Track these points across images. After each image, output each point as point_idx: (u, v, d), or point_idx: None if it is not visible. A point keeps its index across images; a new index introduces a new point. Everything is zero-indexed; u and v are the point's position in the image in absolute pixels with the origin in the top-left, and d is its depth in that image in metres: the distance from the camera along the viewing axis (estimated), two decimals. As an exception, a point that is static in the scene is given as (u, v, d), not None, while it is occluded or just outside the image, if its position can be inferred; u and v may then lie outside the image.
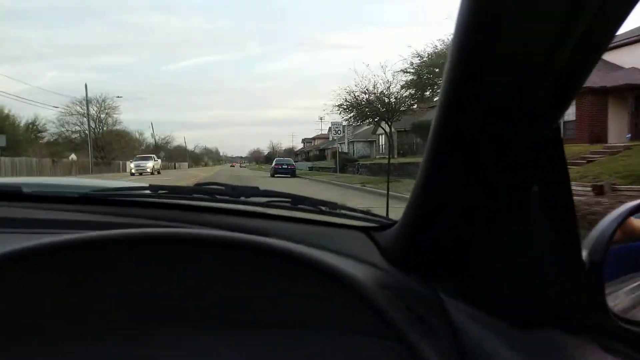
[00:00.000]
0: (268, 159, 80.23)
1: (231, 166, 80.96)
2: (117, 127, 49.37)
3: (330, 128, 51.65)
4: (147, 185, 0.88)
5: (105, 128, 47.70)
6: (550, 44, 0.39)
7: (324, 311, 0.64)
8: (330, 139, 51.59)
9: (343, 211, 0.91)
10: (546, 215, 0.51)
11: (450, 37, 0.45)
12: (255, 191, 0.91)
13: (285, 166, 26.20)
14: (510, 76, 0.43)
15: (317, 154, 55.04)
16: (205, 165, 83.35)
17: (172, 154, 67.23)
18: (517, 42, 0.40)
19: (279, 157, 36.32)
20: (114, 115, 48.19)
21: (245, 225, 0.82)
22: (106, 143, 45.26)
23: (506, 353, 0.53)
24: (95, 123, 45.42)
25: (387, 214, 1.03)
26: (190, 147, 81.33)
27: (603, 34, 0.39)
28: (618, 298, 0.65)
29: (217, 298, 0.65)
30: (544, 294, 0.54)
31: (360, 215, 0.90)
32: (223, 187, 0.91)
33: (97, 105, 46.17)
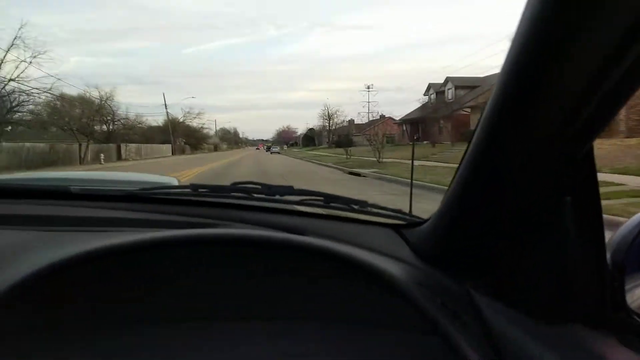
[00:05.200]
0: (310, 138, 50.37)
1: (257, 149, 68.18)
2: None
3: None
4: (189, 184, 0.94)
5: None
6: (599, 73, 0.42)
7: (362, 307, 0.70)
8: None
9: (373, 209, 0.96)
10: (576, 223, 0.56)
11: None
12: (289, 190, 0.97)
13: None
14: (556, 100, 0.46)
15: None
16: (215, 149, 63.95)
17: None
18: (569, 69, 0.43)
19: None
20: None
21: (281, 223, 0.87)
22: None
23: (533, 345, 0.58)
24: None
25: (410, 210, 1.08)
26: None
27: None
28: (635, 295, 0.69)
29: (264, 293, 0.71)
30: (569, 293, 0.59)
31: (390, 213, 0.95)
32: (259, 186, 0.97)
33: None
